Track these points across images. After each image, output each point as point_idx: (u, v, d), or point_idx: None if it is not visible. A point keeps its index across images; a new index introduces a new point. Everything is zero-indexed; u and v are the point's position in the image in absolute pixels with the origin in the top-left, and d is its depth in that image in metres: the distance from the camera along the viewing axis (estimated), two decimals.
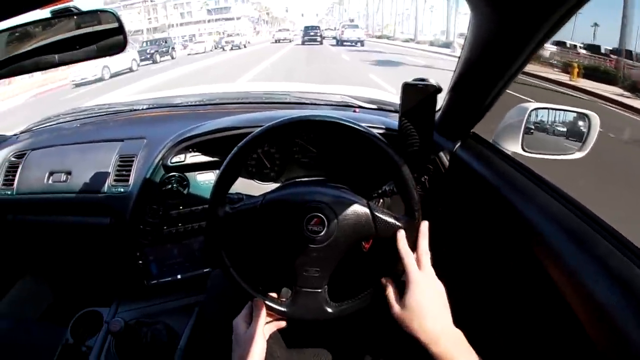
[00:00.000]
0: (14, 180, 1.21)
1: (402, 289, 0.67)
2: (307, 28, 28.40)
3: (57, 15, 0.78)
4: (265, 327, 0.74)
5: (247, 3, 66.01)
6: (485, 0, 0.65)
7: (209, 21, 56.44)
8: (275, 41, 33.19)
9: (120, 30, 0.83)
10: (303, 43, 25.61)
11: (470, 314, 0.80)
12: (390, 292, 0.68)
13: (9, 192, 1.20)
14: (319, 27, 30.17)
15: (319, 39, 26.03)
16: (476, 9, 0.68)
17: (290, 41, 31.73)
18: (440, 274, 0.68)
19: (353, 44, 23.00)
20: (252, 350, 0.68)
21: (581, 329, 0.54)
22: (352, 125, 0.71)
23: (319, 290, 0.74)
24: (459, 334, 0.61)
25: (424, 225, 0.71)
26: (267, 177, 1.09)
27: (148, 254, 1.17)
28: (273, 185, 1.06)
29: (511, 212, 0.75)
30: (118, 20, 0.83)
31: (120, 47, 0.84)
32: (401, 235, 0.70)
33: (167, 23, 54.23)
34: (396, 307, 0.66)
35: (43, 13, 0.77)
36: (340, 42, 23.94)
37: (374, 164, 0.98)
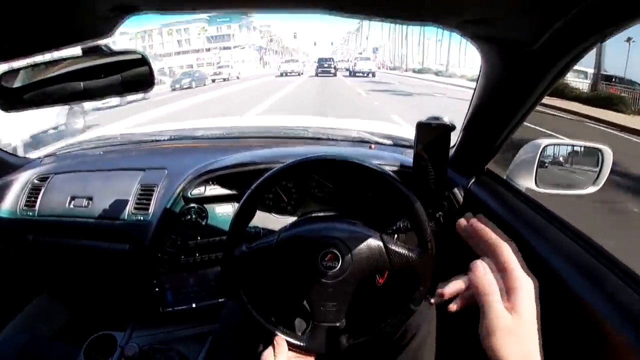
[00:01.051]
0: (36, 202, 1.24)
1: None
2: (320, 60, 26.75)
3: (87, 53, 0.82)
4: None
5: (255, 31, 58.16)
6: (493, 50, 0.68)
7: (208, 50, 49.22)
8: (281, 74, 26.67)
9: (147, 67, 0.86)
10: (317, 75, 24.43)
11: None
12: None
13: (30, 214, 1.24)
14: (332, 58, 28.39)
15: (332, 70, 24.60)
16: (485, 56, 0.71)
17: (299, 74, 26.12)
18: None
19: (364, 74, 23.31)
20: None
21: None
22: (367, 165, 0.74)
23: (337, 324, 0.75)
24: None
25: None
26: (284, 210, 1.11)
27: (164, 281, 1.18)
28: (289, 219, 1.09)
29: (524, 248, 0.76)
30: (146, 61, 0.86)
31: (146, 85, 0.87)
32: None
33: (162, 52, 47.48)
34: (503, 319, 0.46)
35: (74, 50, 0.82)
36: (352, 73, 24.03)
37: (388, 200, 1.00)
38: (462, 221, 0.52)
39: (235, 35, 52.32)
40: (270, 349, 0.75)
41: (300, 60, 35.79)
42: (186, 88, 18.68)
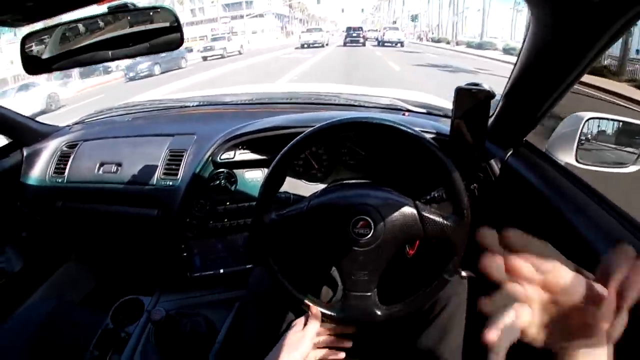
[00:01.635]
0: (65, 169, 1.26)
1: None
2: (349, 29, 25.87)
3: (114, 10, 0.79)
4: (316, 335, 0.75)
5: None
6: (546, 6, 0.63)
7: (222, 19, 42.91)
8: (302, 46, 23.58)
9: (176, 28, 0.84)
10: (345, 44, 23.98)
11: None
12: None
13: (59, 180, 1.26)
14: (361, 27, 27.52)
15: (361, 40, 24.25)
16: (536, 15, 0.67)
17: (323, 46, 23.21)
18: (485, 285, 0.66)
19: (393, 44, 23.37)
20: (290, 351, 0.70)
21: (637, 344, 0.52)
22: (405, 129, 0.71)
23: (369, 294, 0.74)
24: None
25: None
26: (314, 177, 1.10)
27: (192, 246, 1.19)
28: (320, 186, 1.07)
29: (563, 225, 0.73)
30: (175, 17, 0.83)
31: (175, 44, 0.85)
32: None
33: None
34: None
35: (100, 8, 0.80)
36: (381, 43, 24.16)
37: (422, 167, 0.97)
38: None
39: (253, 3, 46.30)
40: (301, 318, 0.75)
41: (325, 29, 31.38)
42: (145, 76, 13.63)
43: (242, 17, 43.52)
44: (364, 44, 23.96)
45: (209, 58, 18.21)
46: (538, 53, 0.73)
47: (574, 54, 0.66)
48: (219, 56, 18.51)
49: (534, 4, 0.65)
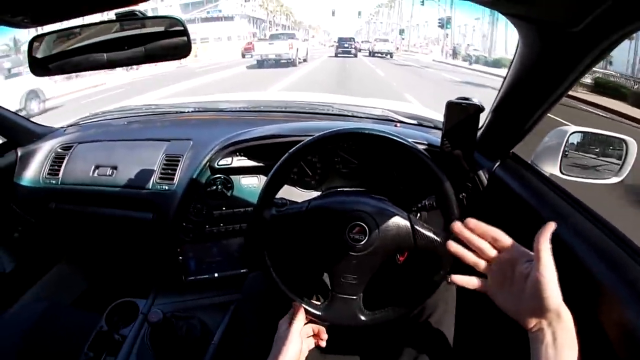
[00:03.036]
0: (59, 170, 1.27)
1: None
2: (341, 40, 25.18)
3: (121, 18, 0.80)
4: (303, 330, 0.77)
5: None
6: (532, 30, 0.67)
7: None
8: (258, 64, 15.66)
9: (182, 32, 0.81)
10: (336, 55, 23.41)
11: (503, 331, 0.81)
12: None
13: (53, 182, 1.27)
14: (353, 38, 27.16)
15: (353, 51, 23.49)
16: (523, 36, 0.71)
17: (295, 64, 15.25)
18: (473, 292, 0.69)
19: (383, 55, 24.37)
20: (286, 349, 0.72)
21: (611, 349, 0.55)
22: (401, 141, 0.74)
23: (355, 298, 0.77)
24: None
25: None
26: (308, 185, 1.12)
27: (188, 250, 1.21)
28: (313, 193, 1.10)
29: None
30: (183, 26, 0.82)
31: (183, 52, 0.82)
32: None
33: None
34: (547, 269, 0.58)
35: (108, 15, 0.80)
36: (372, 54, 25.11)
37: (413, 177, 1.01)
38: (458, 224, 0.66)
39: (220, 4, 36.55)
40: (286, 316, 0.78)
41: (301, 37, 22.62)
42: None
43: (205, 20, 33.27)
44: (355, 55, 23.42)
45: None
46: (525, 70, 0.77)
47: (558, 74, 0.70)
48: None
49: (520, 26, 0.68)
